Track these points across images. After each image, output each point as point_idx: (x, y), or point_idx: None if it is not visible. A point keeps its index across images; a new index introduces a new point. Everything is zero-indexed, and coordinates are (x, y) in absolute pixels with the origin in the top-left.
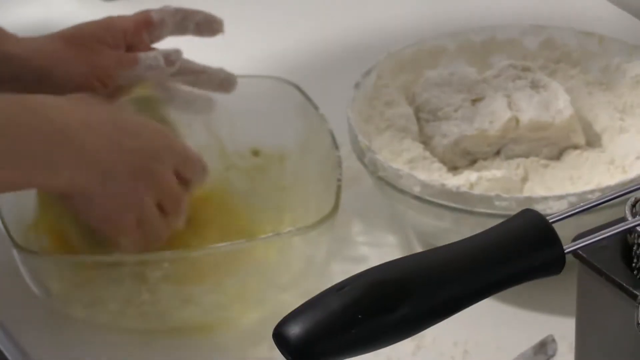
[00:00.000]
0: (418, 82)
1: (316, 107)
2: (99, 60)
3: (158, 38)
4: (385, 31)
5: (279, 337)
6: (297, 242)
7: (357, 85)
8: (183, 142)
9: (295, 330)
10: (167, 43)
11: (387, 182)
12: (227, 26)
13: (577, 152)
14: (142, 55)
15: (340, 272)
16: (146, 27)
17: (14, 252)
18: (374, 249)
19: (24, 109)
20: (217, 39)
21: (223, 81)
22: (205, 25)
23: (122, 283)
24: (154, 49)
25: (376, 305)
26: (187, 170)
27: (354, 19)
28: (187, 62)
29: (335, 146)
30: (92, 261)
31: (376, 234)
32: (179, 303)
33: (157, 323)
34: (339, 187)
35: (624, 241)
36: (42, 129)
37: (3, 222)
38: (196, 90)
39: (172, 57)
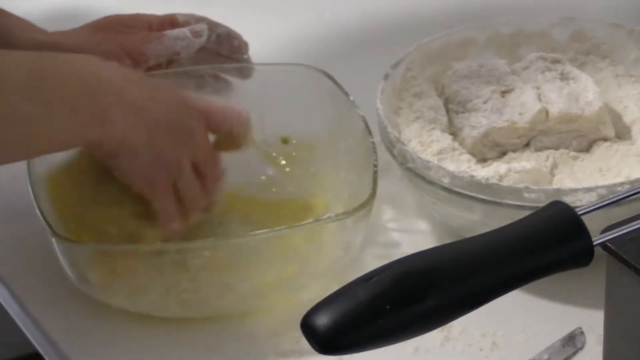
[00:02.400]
0: (447, 73)
1: (346, 94)
2: (126, 38)
3: None
4: (413, 22)
5: (307, 327)
6: (335, 228)
7: (386, 77)
8: (213, 103)
9: (322, 320)
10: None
11: (416, 174)
12: (252, 13)
13: (607, 144)
14: (168, 30)
15: (374, 257)
16: (171, 25)
17: (53, 241)
18: (405, 235)
19: (66, 63)
20: (243, 25)
21: (242, 68)
22: (226, 39)
23: (162, 272)
24: None
25: (404, 296)
26: (221, 128)
27: (382, 8)
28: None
29: (369, 132)
30: (133, 250)
31: (407, 220)
32: (218, 291)
33: (196, 311)
34: (375, 173)
35: None
36: (90, 82)
37: (41, 212)
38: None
39: (197, 29)
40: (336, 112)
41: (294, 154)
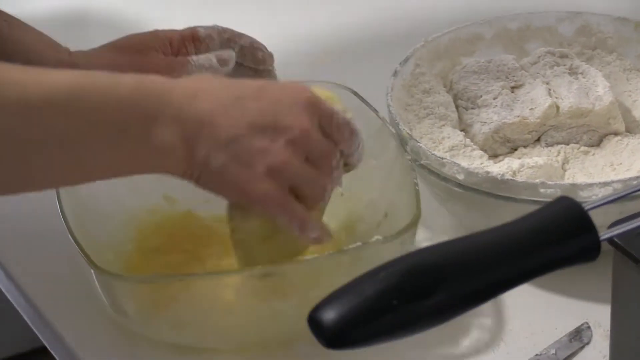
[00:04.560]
0: (455, 69)
1: (375, 111)
2: (149, 63)
3: (203, 53)
4: (420, 18)
5: (314, 322)
6: (383, 250)
7: (395, 74)
8: (321, 100)
9: (330, 315)
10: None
11: (430, 170)
12: (260, 9)
13: (617, 138)
14: (193, 57)
15: None
16: (192, 41)
17: (92, 272)
18: (421, 230)
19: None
20: (248, 22)
21: (264, 74)
22: (250, 51)
23: (204, 303)
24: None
25: (411, 291)
26: (333, 128)
27: (389, 3)
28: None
29: (405, 150)
30: (170, 281)
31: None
32: (265, 320)
33: (241, 341)
34: (417, 192)
35: None
36: (141, 103)
37: (77, 242)
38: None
39: (225, 56)
40: (365, 130)
41: None
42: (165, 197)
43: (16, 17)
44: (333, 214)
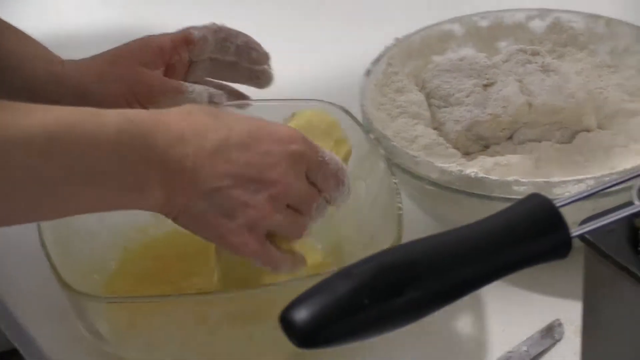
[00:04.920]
0: (427, 67)
1: (367, 132)
2: (139, 82)
3: (198, 56)
4: (391, 17)
5: (286, 321)
6: None
7: (367, 73)
8: (318, 149)
9: (301, 315)
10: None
11: (404, 169)
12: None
13: (589, 135)
14: (187, 86)
15: None
16: (186, 44)
17: (66, 294)
18: None
19: (96, 123)
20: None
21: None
22: (245, 50)
23: (180, 324)
24: (197, 79)
25: (383, 290)
26: (319, 178)
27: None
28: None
29: (391, 172)
30: (148, 302)
31: None
32: (240, 341)
33: None
34: (399, 216)
35: (631, 225)
36: (124, 143)
37: (51, 263)
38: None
39: (216, 99)
40: (356, 151)
41: None
42: (154, 215)
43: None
44: (322, 234)
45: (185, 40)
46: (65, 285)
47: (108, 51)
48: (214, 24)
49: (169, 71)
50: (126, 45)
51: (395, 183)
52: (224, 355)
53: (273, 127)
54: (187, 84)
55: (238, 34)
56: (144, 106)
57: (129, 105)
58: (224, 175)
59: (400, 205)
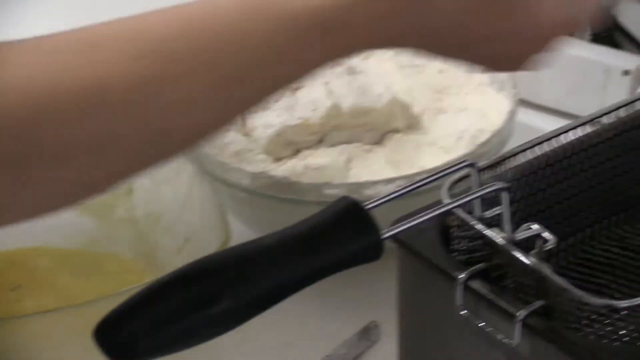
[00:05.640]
0: None
1: None
2: None
3: None
4: None
5: (99, 338)
6: None
7: None
8: None
9: (114, 330)
10: None
11: (216, 177)
12: None
13: (398, 135)
14: None
15: None
16: None
17: None
18: None
19: None
20: None
21: None
22: None
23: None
24: None
25: (197, 300)
26: None
27: None
28: None
29: (205, 170)
30: None
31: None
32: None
33: None
34: (223, 214)
35: (443, 224)
36: None
37: None
38: None
39: None
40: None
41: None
42: None
43: None
44: (128, 244)
45: None
46: None
47: None
48: None
49: None
50: None
51: (209, 181)
52: None
53: None
54: None
55: None
56: None
57: None
58: None
59: (221, 202)
